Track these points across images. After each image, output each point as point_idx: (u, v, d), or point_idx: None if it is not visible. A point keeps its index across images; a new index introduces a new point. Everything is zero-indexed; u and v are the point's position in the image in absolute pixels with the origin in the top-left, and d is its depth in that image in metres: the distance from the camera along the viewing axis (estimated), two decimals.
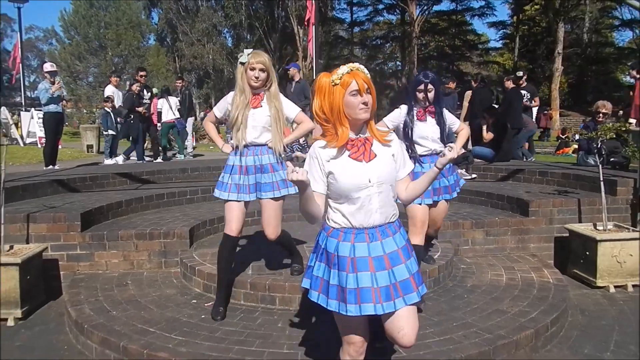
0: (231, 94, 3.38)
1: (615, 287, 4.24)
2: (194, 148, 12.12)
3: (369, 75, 2.03)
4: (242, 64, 3.25)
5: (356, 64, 2.03)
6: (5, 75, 49.16)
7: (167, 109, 10.89)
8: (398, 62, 38.72)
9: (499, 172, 6.40)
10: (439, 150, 3.48)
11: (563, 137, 16.29)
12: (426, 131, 3.49)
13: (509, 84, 9.47)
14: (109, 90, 11.52)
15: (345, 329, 2.11)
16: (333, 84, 1.99)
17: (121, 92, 12.03)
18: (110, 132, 10.32)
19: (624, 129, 4.64)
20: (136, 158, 9.75)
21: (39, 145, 13.41)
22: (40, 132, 13.82)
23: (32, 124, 14.90)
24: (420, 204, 3.39)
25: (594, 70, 32.83)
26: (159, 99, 11.25)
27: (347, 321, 2.06)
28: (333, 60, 37.47)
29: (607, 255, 4.21)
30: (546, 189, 5.45)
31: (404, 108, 3.55)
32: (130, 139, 9.88)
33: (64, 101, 8.92)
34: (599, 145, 5.59)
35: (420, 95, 3.47)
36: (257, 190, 3.32)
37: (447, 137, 3.59)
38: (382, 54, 39.58)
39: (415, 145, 3.50)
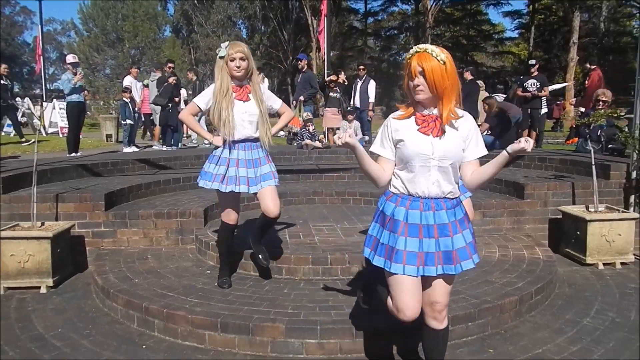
0: (212, 85, 3.38)
1: (604, 264, 4.48)
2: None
3: (434, 55, 2.05)
4: (222, 57, 3.25)
5: (426, 45, 2.09)
6: (25, 68, 50.20)
7: None
8: None
9: None
10: None
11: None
12: None
13: (468, 75, 9.78)
14: (127, 80, 11.90)
15: (396, 292, 2.22)
16: (406, 62, 2.14)
17: (139, 82, 12.42)
18: (128, 121, 10.69)
19: (615, 115, 4.85)
20: (167, 145, 10.12)
21: (61, 135, 13.89)
22: (61, 122, 14.30)
23: (53, 114, 15.39)
24: None
25: (610, 61, 32.45)
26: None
27: (399, 284, 2.19)
28: (346, 52, 37.59)
29: (597, 234, 4.46)
30: (544, 174, 5.68)
31: None
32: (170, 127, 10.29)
33: (85, 91, 9.32)
34: (598, 133, 5.81)
35: None
36: (260, 182, 3.39)
37: None
38: (396, 45, 39.53)
39: None
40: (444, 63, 2.06)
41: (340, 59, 34.86)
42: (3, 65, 11.57)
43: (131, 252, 4.50)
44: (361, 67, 11.03)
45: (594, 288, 4.00)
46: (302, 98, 9.67)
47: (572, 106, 10.11)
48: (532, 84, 10.09)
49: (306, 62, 9.90)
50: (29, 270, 4.01)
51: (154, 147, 10.71)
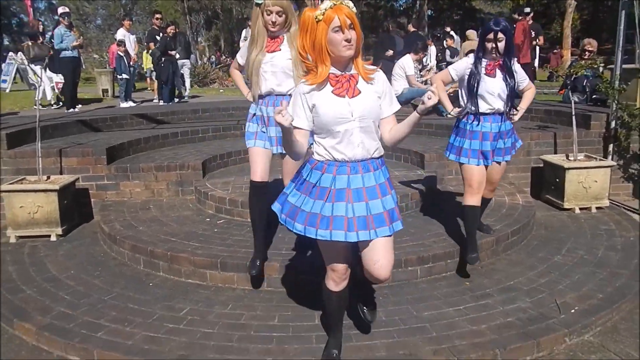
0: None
1: (581, 209, 4.77)
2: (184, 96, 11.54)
3: (354, 9, 1.98)
4: (258, 5, 2.96)
5: None
6: (14, 19, 48.99)
7: None
8: None
9: None
10: (503, 109, 3.29)
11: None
12: (493, 87, 3.23)
13: (410, 27, 10.07)
14: (120, 34, 11.79)
15: (327, 255, 2.25)
16: (316, 19, 1.96)
17: (132, 35, 12.32)
18: (124, 75, 10.72)
19: (595, 66, 5.00)
20: (163, 100, 10.15)
21: (56, 90, 13.88)
22: (56, 77, 14.25)
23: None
24: (477, 165, 3.34)
25: (609, 6, 31.85)
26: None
27: (328, 248, 2.19)
28: None
29: (574, 181, 4.72)
30: (529, 125, 5.87)
31: (471, 58, 3.33)
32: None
33: (81, 47, 9.37)
34: (584, 83, 5.97)
35: (490, 46, 3.17)
36: (280, 144, 3.06)
37: (514, 95, 3.35)
38: None
39: (479, 100, 3.27)
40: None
41: None
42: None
43: (134, 203, 4.75)
44: None
45: (568, 230, 4.30)
46: None
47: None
48: None
49: (298, 13, 9.87)
50: (38, 221, 4.27)
51: (153, 101, 10.78)
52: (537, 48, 10.54)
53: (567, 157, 4.97)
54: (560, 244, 3.97)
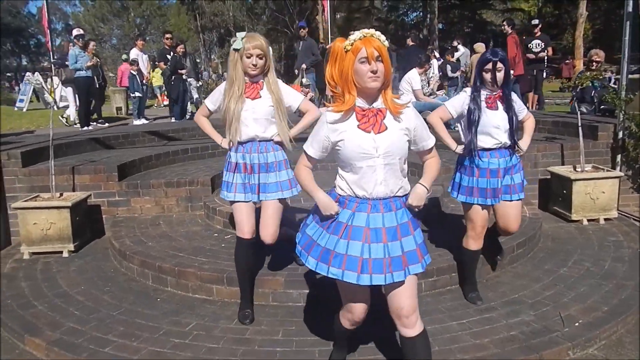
0: (224, 84, 3.07)
1: (589, 220, 4.74)
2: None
3: (384, 42, 1.97)
4: (237, 50, 2.91)
5: (371, 30, 1.98)
6: (32, 40, 50.23)
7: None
8: (421, 12, 37.96)
9: None
10: (509, 143, 3.11)
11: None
12: (497, 120, 3.06)
13: (409, 42, 9.98)
14: (134, 53, 12.04)
15: (344, 293, 2.21)
16: (345, 49, 1.98)
17: (145, 54, 12.56)
18: (137, 94, 10.93)
19: (600, 77, 5.01)
20: (174, 118, 10.31)
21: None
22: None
23: (64, 88, 15.60)
24: (485, 204, 3.13)
25: (621, 16, 31.68)
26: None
27: (344, 285, 2.11)
28: (352, 13, 37.00)
29: (581, 192, 4.70)
30: (536, 136, 5.83)
31: (468, 92, 3.16)
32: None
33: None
34: (592, 94, 5.97)
35: (488, 76, 3.04)
36: (262, 191, 3.03)
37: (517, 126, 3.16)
38: (404, 4, 38.81)
39: (483, 136, 3.08)
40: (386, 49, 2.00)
41: (347, 22, 34.37)
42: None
43: (144, 219, 4.83)
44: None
45: (575, 242, 4.28)
46: (304, 66, 9.84)
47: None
48: (536, 45, 10.09)
49: (307, 31, 10.05)
50: (51, 237, 4.37)
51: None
52: (546, 59, 10.43)
53: (575, 168, 4.96)
54: (566, 255, 3.96)
